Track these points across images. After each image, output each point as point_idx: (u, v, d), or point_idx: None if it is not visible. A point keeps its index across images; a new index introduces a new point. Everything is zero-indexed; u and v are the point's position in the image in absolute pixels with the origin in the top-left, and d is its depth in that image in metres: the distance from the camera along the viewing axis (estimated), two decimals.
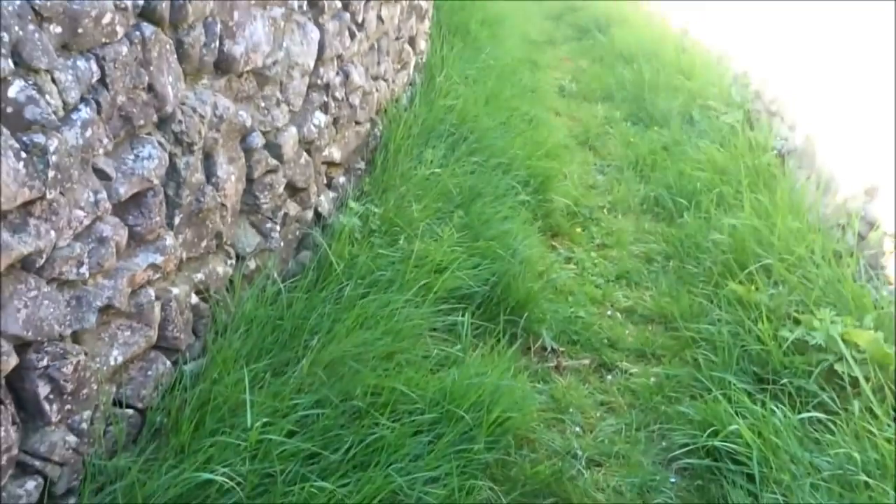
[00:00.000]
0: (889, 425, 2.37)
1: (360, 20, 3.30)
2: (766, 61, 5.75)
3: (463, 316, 2.91)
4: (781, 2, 5.63)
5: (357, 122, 3.54)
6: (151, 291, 1.99)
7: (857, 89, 4.20)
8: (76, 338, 1.75)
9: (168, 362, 2.11)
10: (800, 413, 2.55)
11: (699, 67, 6.49)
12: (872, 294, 3.17)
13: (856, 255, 3.37)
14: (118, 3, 1.65)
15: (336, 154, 3.26)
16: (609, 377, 3.09)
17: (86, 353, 1.75)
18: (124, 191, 1.81)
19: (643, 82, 6.30)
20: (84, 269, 1.70)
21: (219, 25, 2.08)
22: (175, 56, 1.92)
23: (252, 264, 2.59)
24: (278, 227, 2.70)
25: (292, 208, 2.86)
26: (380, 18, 3.67)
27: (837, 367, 2.71)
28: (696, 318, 3.30)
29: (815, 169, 4.42)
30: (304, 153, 2.89)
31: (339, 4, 3.02)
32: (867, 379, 2.60)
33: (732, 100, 5.80)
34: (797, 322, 2.98)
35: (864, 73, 4.16)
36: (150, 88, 1.84)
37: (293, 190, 2.85)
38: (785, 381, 2.73)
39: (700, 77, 6.28)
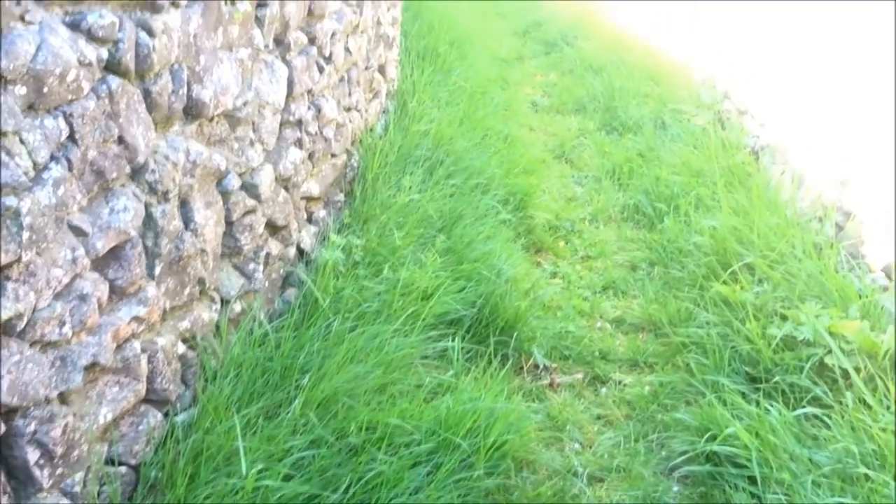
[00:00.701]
0: (883, 415, 2.39)
1: (327, 53, 3.32)
2: (730, 62, 5.84)
3: (453, 341, 2.91)
4: (735, 2, 5.74)
5: (333, 155, 3.54)
6: (137, 344, 1.97)
7: (820, 83, 4.28)
8: (63, 399, 1.72)
9: (159, 415, 2.08)
10: (794, 410, 2.56)
11: (667, 73, 6.58)
12: (856, 283, 3.20)
13: (835, 246, 3.41)
14: (82, 58, 1.64)
15: (314, 188, 3.26)
16: (604, 390, 3.08)
17: (74, 414, 1.73)
18: (102, 245, 1.80)
19: (613, 91, 6.37)
20: (66, 329, 1.68)
21: (185, 72, 2.08)
22: (143, 106, 1.92)
23: (238, 307, 2.57)
24: (261, 268, 2.69)
25: (274, 247, 2.85)
26: (347, 50, 3.69)
27: (828, 360, 2.73)
28: (684, 322, 3.31)
29: (788, 164, 4.48)
30: (282, 190, 2.88)
31: (306, 40, 3.03)
32: (857, 370, 2.62)
33: (702, 102, 5.87)
34: (784, 318, 3.00)
35: (825, 67, 4.23)
36: (121, 140, 1.83)
37: (274, 228, 2.85)
38: (777, 378, 2.74)
39: (668, 82, 6.36)
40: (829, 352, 2.72)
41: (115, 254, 1.88)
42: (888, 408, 2.44)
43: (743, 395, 2.73)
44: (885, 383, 2.51)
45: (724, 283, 3.31)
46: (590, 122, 6.16)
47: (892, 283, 3.08)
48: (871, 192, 3.56)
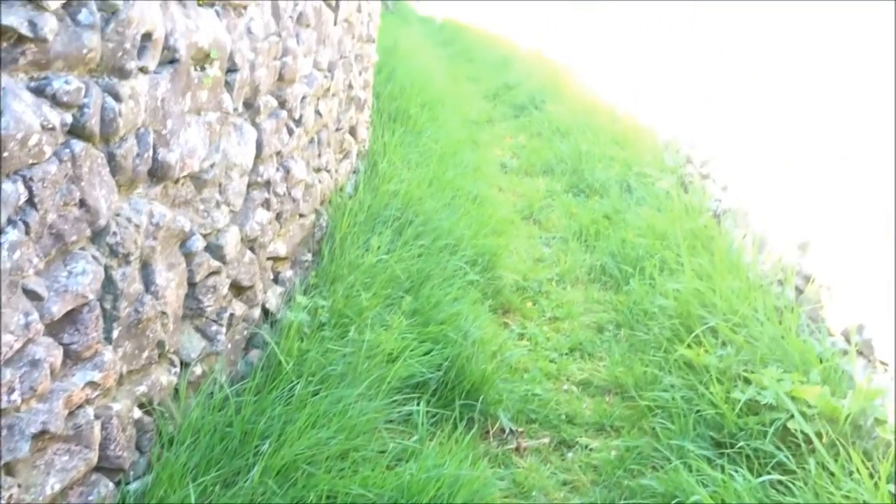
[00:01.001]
0: (845, 482, 2.39)
1: (297, 116, 3.36)
2: (693, 126, 6.03)
3: (418, 405, 2.87)
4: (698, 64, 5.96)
5: (301, 215, 3.55)
6: (90, 410, 1.92)
7: (779, 146, 4.43)
8: (8, 469, 1.66)
9: (111, 484, 2.01)
10: (759, 475, 2.56)
11: (632, 137, 6.76)
12: (816, 347, 3.25)
13: (796, 310, 3.47)
14: (45, 123, 1.64)
15: (281, 249, 3.25)
16: (570, 454, 3.06)
17: (19, 485, 1.66)
18: (57, 309, 1.76)
19: (580, 154, 6.52)
20: (16, 396, 1.63)
21: (152, 135, 2.08)
22: (107, 169, 1.91)
23: (198, 370, 2.53)
24: (224, 330, 2.65)
25: (238, 308, 2.82)
26: (318, 113, 3.74)
27: (790, 424, 2.74)
28: (650, 385, 3.32)
29: (750, 227, 4.59)
30: (248, 251, 2.87)
31: (276, 103, 3.07)
32: (819, 435, 2.63)
33: (666, 165, 6.03)
34: (748, 382, 3.02)
35: (789, 127, 4.39)
36: (83, 203, 1.82)
37: (238, 289, 2.82)
38: (742, 443, 2.75)
39: (633, 146, 6.53)
40: (792, 416, 2.75)
41: (71, 317, 1.84)
42: (850, 474, 2.45)
43: (708, 460, 2.73)
44: (847, 450, 2.53)
45: (689, 346, 3.35)
46: (557, 184, 6.27)
47: (851, 347, 3.13)
48: (830, 255, 3.65)
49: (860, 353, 3.17)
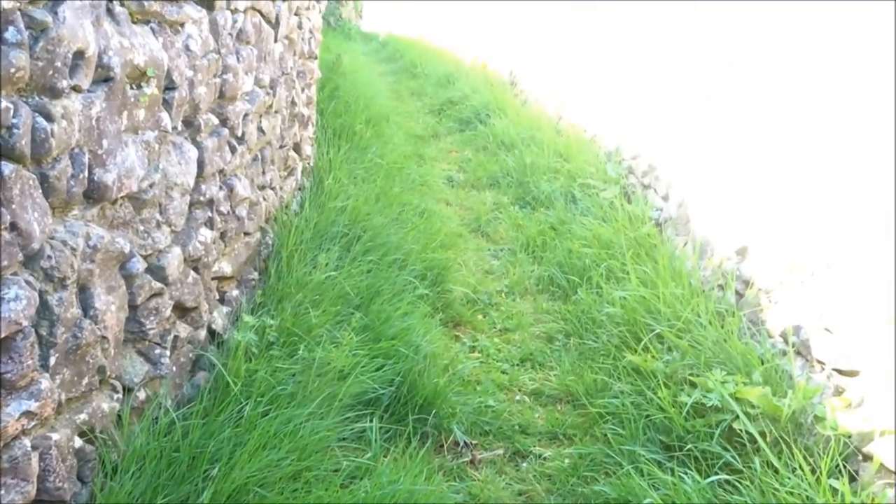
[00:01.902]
0: (789, 478, 2.47)
1: (240, 134, 3.32)
2: (635, 135, 6.18)
3: (371, 421, 2.85)
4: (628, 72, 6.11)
5: (246, 233, 3.50)
6: (27, 442, 1.84)
7: (716, 155, 4.57)
8: None
9: None
10: (707, 476, 2.62)
11: (575, 149, 6.87)
12: (757, 349, 3.35)
13: (737, 314, 3.57)
14: None
15: (226, 268, 3.19)
16: (524, 464, 3.07)
17: None
18: None
19: (525, 167, 6.59)
20: None
21: (87, 155, 2.03)
22: (40, 191, 1.85)
23: (142, 395, 2.45)
24: (168, 352, 2.59)
25: (183, 330, 2.76)
26: (261, 130, 3.70)
27: (735, 425, 2.82)
28: (600, 392, 3.37)
29: (690, 234, 4.72)
30: (192, 271, 2.81)
31: (217, 121, 3.03)
32: (763, 434, 2.71)
33: (609, 176, 6.15)
34: (693, 385, 3.09)
35: (729, 129, 4.53)
36: (14, 227, 1.75)
37: (182, 310, 2.76)
38: (690, 445, 2.81)
39: (577, 158, 6.64)
40: (737, 417, 2.82)
41: (5, 345, 1.77)
42: (793, 471, 2.53)
43: (659, 464, 2.78)
44: (790, 448, 2.61)
45: (636, 352, 3.41)
46: (504, 197, 6.33)
47: (789, 348, 3.23)
48: (768, 258, 3.77)
49: (798, 353, 3.28)
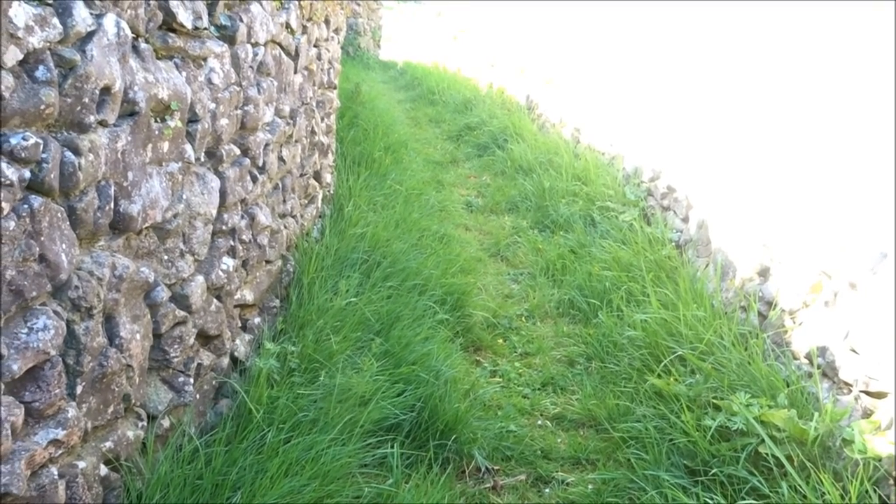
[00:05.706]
0: None
1: (261, 163, 3.37)
2: (652, 156, 6.17)
3: (392, 447, 2.85)
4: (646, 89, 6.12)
5: (268, 261, 3.54)
6: (54, 470, 1.87)
7: (737, 175, 4.54)
8: None
9: None
10: (733, 501, 2.58)
11: (593, 172, 6.88)
12: (782, 371, 3.30)
13: (760, 335, 3.53)
14: (3, 179, 1.63)
15: (248, 296, 3.23)
16: (547, 490, 3.04)
17: None
18: (18, 367, 1.73)
19: (544, 191, 6.61)
20: None
21: (113, 187, 2.08)
22: (67, 223, 1.90)
23: (166, 423, 2.48)
24: (192, 380, 2.62)
25: (206, 357, 2.79)
26: (281, 159, 3.76)
27: (761, 449, 2.77)
28: (623, 417, 3.34)
29: (711, 255, 4.69)
30: (215, 300, 2.85)
31: (238, 151, 3.09)
32: (789, 458, 2.67)
33: (627, 199, 6.14)
34: (717, 408, 3.06)
35: (743, 159, 4.51)
36: (42, 258, 1.80)
37: (206, 338, 2.79)
38: (715, 470, 2.77)
39: (595, 181, 6.65)
40: (763, 441, 2.78)
41: (32, 374, 1.81)
42: (822, 495, 2.48)
43: (683, 489, 2.74)
44: (818, 472, 2.56)
45: (658, 375, 3.38)
46: (523, 221, 6.34)
47: (815, 369, 3.19)
48: (791, 277, 3.73)
49: (824, 374, 3.23)
